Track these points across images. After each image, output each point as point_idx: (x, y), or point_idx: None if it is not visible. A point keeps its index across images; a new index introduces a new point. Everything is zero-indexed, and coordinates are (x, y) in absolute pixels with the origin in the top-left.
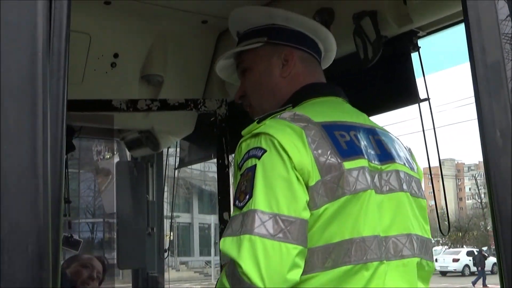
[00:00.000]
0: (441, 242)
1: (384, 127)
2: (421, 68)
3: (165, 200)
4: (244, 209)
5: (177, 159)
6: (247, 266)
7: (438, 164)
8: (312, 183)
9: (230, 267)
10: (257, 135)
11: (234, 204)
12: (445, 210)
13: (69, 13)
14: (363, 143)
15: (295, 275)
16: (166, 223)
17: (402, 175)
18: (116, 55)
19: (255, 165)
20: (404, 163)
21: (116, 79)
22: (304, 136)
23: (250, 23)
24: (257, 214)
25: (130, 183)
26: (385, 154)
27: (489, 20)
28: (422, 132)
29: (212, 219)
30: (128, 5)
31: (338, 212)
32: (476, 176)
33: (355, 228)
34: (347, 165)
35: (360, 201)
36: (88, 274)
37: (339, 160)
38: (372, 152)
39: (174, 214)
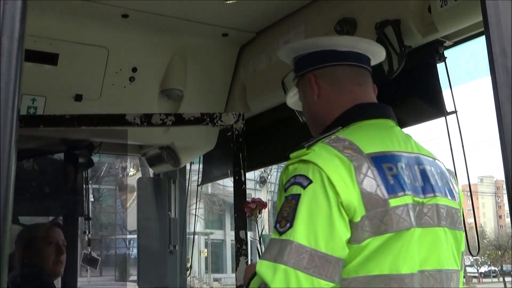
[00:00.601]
0: (480, 261)
1: (429, 151)
2: (448, 79)
3: (199, 216)
4: (283, 237)
5: (200, 176)
6: None
7: (470, 181)
8: (357, 219)
9: (260, 284)
10: (305, 161)
11: (275, 226)
12: (475, 229)
13: (24, 12)
14: (409, 175)
15: None
16: (200, 240)
17: (441, 209)
18: (134, 69)
19: (300, 195)
20: (446, 194)
21: (134, 93)
22: (353, 170)
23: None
24: (295, 246)
25: (152, 199)
26: (428, 186)
27: (510, 20)
28: (449, 147)
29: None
30: (146, 18)
31: (380, 248)
32: None
33: (394, 265)
34: (392, 202)
35: (402, 239)
36: (55, 250)
37: (385, 197)
38: (417, 185)
39: (208, 230)
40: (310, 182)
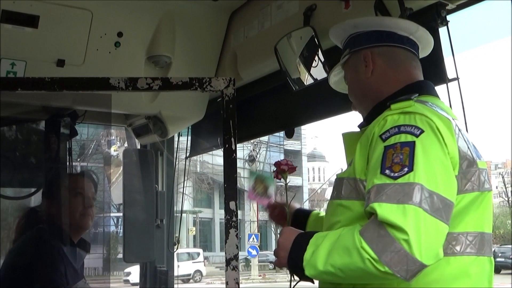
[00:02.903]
0: None
1: None
2: (450, 45)
3: (188, 194)
4: (401, 180)
5: (188, 147)
6: (413, 235)
7: None
8: (455, 173)
9: (375, 229)
10: (408, 113)
11: (383, 173)
12: None
13: None
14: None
15: (441, 253)
16: (189, 218)
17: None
18: (120, 34)
19: (414, 142)
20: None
21: (120, 59)
22: (452, 127)
23: (339, 40)
24: (420, 188)
25: (138, 172)
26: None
27: None
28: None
29: None
30: None
31: (467, 206)
32: (504, 174)
33: (479, 223)
34: (479, 164)
35: (485, 199)
36: (82, 201)
37: (475, 158)
38: None
39: (197, 209)
40: (422, 131)
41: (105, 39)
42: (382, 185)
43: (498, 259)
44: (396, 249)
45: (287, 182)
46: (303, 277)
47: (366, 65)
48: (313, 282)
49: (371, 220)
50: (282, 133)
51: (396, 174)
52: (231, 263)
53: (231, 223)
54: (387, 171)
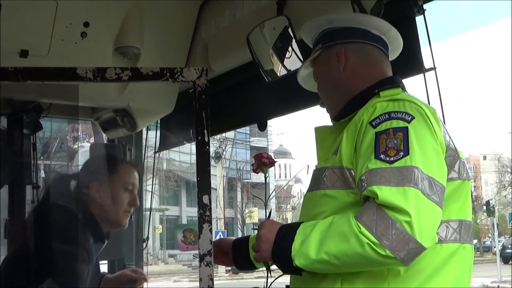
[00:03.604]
0: None
1: None
2: (426, 34)
3: (154, 191)
4: (398, 164)
5: (157, 142)
6: (414, 217)
7: None
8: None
9: (374, 212)
10: (397, 100)
11: (377, 157)
12: None
13: None
14: None
15: (437, 237)
16: (155, 216)
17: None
18: (86, 24)
19: (407, 127)
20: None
21: (86, 50)
22: (437, 116)
23: (311, 36)
24: (418, 171)
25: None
26: None
27: None
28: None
29: None
30: None
31: (450, 194)
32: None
33: (461, 211)
34: (460, 154)
35: (466, 188)
36: (130, 199)
37: (455, 147)
38: None
39: (163, 207)
40: (413, 117)
41: (71, 29)
42: (378, 169)
43: (507, 251)
44: (398, 231)
45: (266, 175)
46: (289, 269)
47: (338, 61)
48: (301, 274)
49: (367, 204)
50: (247, 130)
51: (392, 158)
52: (204, 258)
53: (205, 217)
54: (382, 156)
